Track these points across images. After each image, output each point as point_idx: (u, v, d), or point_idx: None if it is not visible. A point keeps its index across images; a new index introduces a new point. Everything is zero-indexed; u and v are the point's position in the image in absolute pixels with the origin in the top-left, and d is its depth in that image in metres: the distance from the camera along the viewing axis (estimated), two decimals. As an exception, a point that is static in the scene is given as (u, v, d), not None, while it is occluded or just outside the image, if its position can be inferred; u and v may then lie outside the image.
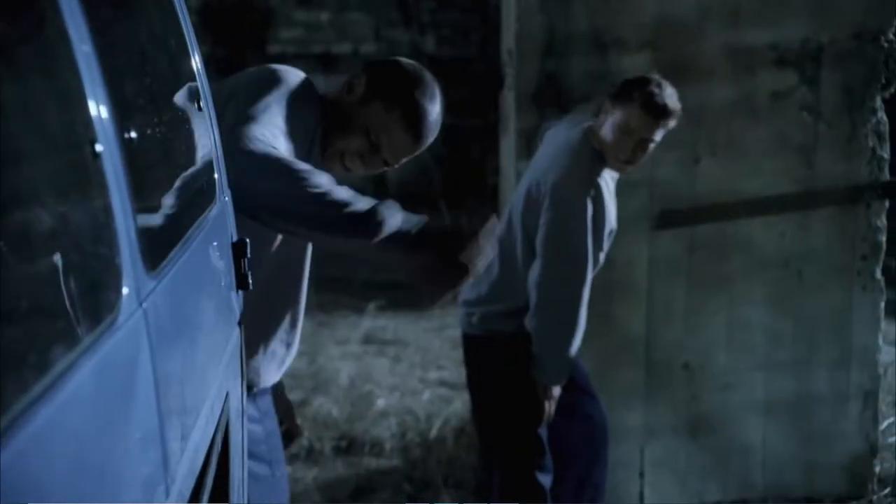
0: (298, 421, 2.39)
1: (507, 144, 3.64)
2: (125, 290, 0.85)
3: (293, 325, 1.92)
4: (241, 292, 1.52)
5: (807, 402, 3.51)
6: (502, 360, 2.84)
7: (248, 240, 1.48)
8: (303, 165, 1.57)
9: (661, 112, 2.69)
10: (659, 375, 3.48)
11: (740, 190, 3.40)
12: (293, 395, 4.60)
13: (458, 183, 14.54)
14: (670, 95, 2.71)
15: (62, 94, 0.81)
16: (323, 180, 1.58)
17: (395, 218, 1.63)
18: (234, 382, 1.42)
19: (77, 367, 0.71)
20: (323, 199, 1.55)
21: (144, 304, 0.90)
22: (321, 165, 1.82)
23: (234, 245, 1.48)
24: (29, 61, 0.77)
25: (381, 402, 4.50)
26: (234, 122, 1.58)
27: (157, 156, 1.09)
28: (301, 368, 5.10)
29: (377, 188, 15.30)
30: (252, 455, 1.85)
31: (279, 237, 1.75)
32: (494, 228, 1.70)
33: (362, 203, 1.61)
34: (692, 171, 3.40)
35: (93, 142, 0.82)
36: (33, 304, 0.69)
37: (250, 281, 1.48)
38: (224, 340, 1.35)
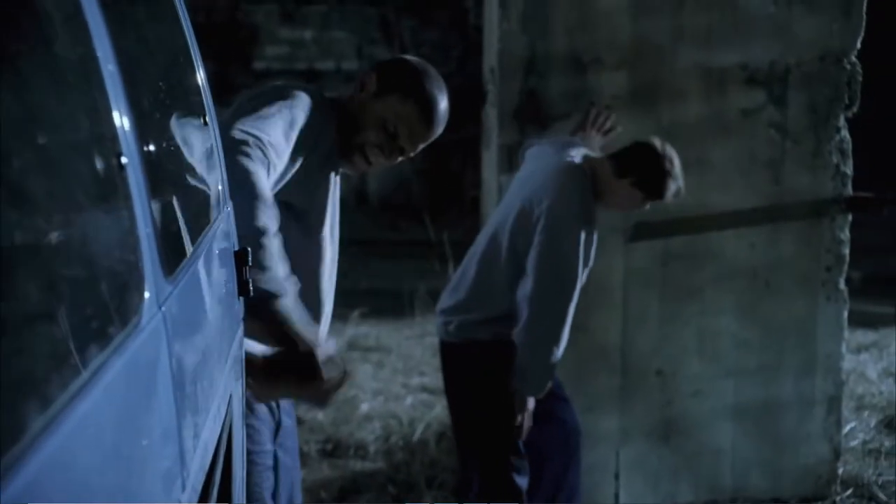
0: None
1: (490, 159, 3.67)
2: (147, 295, 0.88)
3: (315, 320, 1.90)
4: (242, 298, 1.54)
5: (774, 408, 3.56)
6: (479, 367, 2.87)
7: (249, 248, 1.51)
8: (262, 192, 1.55)
9: (675, 197, 2.83)
10: (633, 381, 3.52)
11: (711, 203, 3.44)
12: (280, 400, 4.63)
13: (437, 195, 14.59)
14: (676, 180, 2.82)
15: (91, 109, 0.84)
16: (270, 223, 1.55)
17: (285, 302, 1.56)
18: (235, 384, 1.45)
19: (109, 365, 0.73)
20: (257, 238, 1.51)
21: (163, 308, 0.93)
22: (339, 163, 1.93)
23: (236, 253, 1.50)
24: (61, 80, 0.80)
25: (365, 407, 4.52)
26: (232, 119, 1.63)
27: (171, 167, 1.12)
28: (287, 374, 5.10)
29: (358, 200, 15.36)
30: (284, 447, 1.91)
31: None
32: (333, 358, 1.63)
33: (274, 272, 1.54)
34: (666, 185, 3.43)
35: (119, 154, 0.85)
36: (68, 307, 0.71)
37: (251, 287, 1.51)
38: (228, 344, 1.38)
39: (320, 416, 4.39)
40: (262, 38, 14.54)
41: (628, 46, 3.39)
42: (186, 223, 1.14)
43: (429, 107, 2.00)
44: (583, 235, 2.73)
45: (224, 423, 1.28)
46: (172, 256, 1.01)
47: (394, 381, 5.04)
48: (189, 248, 1.12)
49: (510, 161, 3.44)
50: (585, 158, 2.87)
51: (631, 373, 3.52)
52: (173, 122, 1.19)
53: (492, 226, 2.92)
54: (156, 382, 0.87)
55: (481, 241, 2.93)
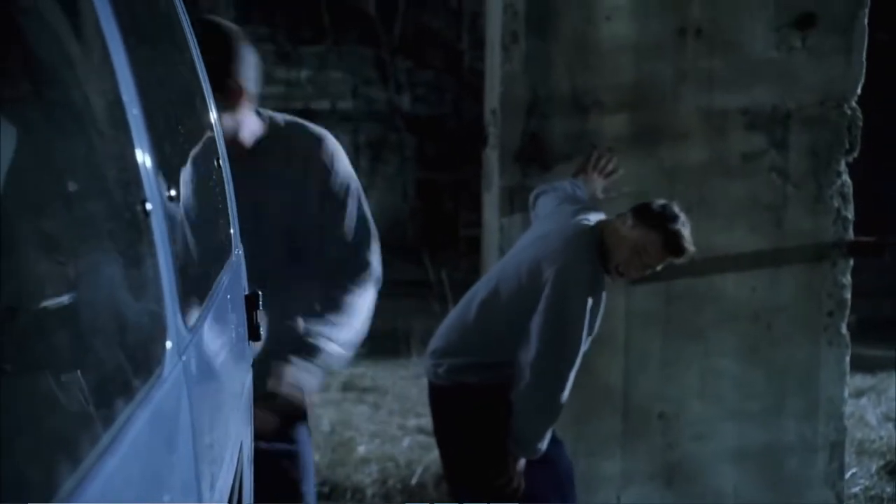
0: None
1: (491, 201, 3.66)
2: (168, 345, 0.86)
3: None
4: (252, 344, 1.52)
5: (776, 452, 3.52)
6: (469, 411, 2.84)
7: (260, 293, 1.49)
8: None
9: (681, 253, 2.77)
10: (636, 424, 3.48)
11: (713, 246, 3.43)
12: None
13: (431, 236, 14.59)
14: (690, 236, 2.77)
15: (116, 154, 0.82)
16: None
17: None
18: (245, 430, 1.42)
19: (134, 418, 0.71)
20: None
21: (184, 357, 0.90)
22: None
23: (246, 297, 1.48)
24: (87, 124, 0.78)
25: (361, 449, 4.47)
26: None
27: (188, 213, 1.10)
28: (283, 415, 5.05)
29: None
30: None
31: None
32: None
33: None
34: (668, 228, 3.42)
35: (144, 201, 0.83)
36: (93, 360, 0.69)
37: (263, 332, 1.48)
38: (240, 390, 1.35)
39: (317, 457, 4.34)
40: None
41: (630, 89, 3.39)
42: (203, 270, 1.12)
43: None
44: (589, 304, 2.71)
45: (236, 472, 1.26)
46: (191, 304, 0.99)
47: (390, 423, 4.99)
48: (205, 295, 1.10)
49: (511, 203, 3.43)
50: (600, 223, 2.86)
51: (633, 415, 3.48)
52: (190, 167, 1.17)
53: (496, 274, 2.90)
54: (177, 434, 0.85)
55: (482, 287, 2.91)
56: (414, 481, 4.08)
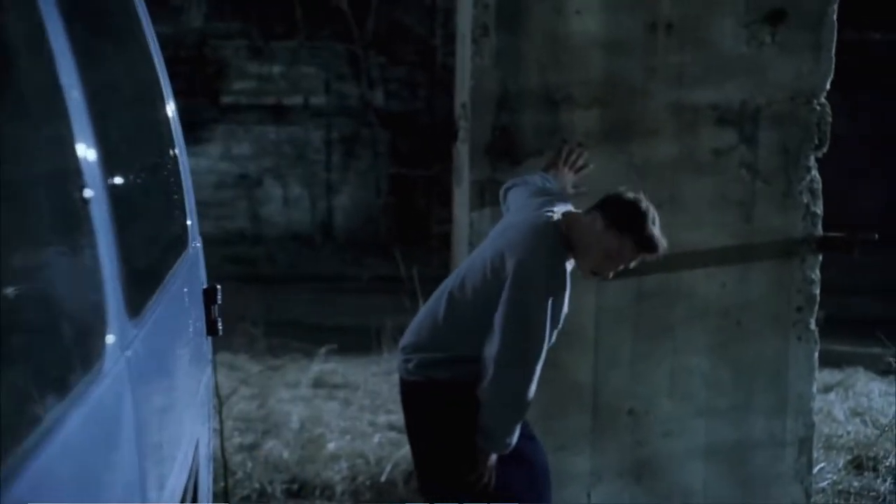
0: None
1: (461, 196, 3.63)
2: (110, 339, 0.81)
3: None
4: (210, 338, 1.47)
5: (745, 448, 3.51)
6: (440, 406, 2.80)
7: (218, 286, 1.44)
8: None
9: (654, 251, 2.71)
10: (605, 421, 3.46)
11: (683, 242, 3.41)
12: (244, 439, 4.52)
13: (403, 231, 14.54)
14: (660, 231, 2.73)
15: (53, 138, 0.78)
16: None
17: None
18: (203, 428, 1.38)
19: (67, 416, 0.66)
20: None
21: (128, 352, 0.86)
22: None
23: (205, 291, 1.43)
24: (21, 108, 0.74)
25: (331, 446, 4.42)
26: None
27: (137, 203, 1.05)
28: (251, 412, 5.01)
29: (324, 236, 15.25)
30: None
31: None
32: None
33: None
34: (638, 223, 3.40)
35: (82, 189, 0.78)
36: (25, 353, 0.64)
37: (220, 327, 1.44)
38: (196, 386, 1.31)
39: (285, 454, 4.29)
40: (231, 73, 14.48)
41: (601, 84, 3.37)
42: (153, 260, 1.07)
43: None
44: (551, 298, 2.67)
45: (191, 470, 1.21)
46: (138, 297, 0.95)
47: (361, 419, 4.95)
48: (156, 287, 1.05)
49: (482, 198, 3.40)
50: (566, 216, 2.81)
51: (602, 412, 3.46)
52: (141, 156, 1.13)
53: (463, 269, 2.86)
54: (118, 432, 0.80)
55: (451, 282, 2.87)
56: (384, 478, 4.04)
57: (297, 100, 14.59)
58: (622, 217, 2.70)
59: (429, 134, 13.58)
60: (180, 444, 1.11)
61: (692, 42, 3.39)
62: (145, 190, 1.12)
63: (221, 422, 3.77)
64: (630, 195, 2.78)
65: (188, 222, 1.36)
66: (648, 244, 2.71)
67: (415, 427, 2.88)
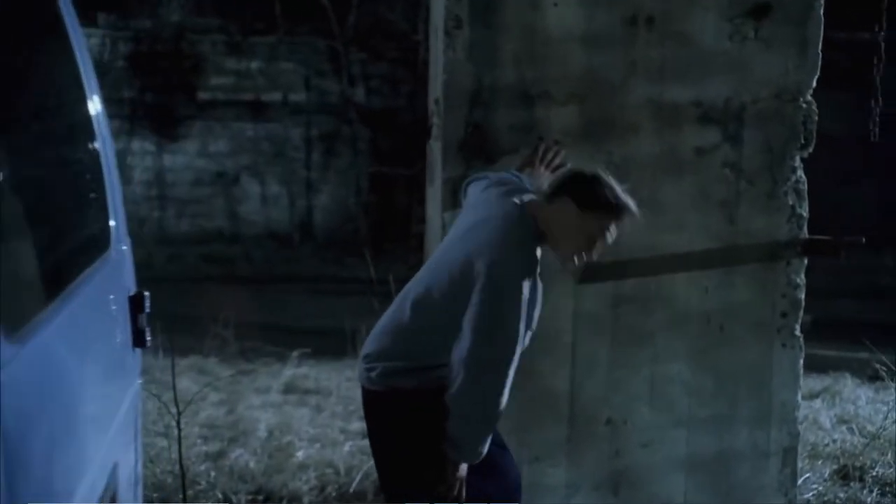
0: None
1: (434, 195, 3.52)
2: (-28, 361, 0.70)
3: None
4: (138, 350, 1.36)
5: (727, 459, 3.43)
6: (404, 416, 2.69)
7: (146, 293, 1.33)
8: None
9: (634, 215, 2.62)
10: (582, 430, 3.37)
11: (663, 245, 3.33)
12: (209, 447, 4.41)
13: (384, 231, 14.44)
14: (626, 193, 2.64)
15: None
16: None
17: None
18: (125, 449, 1.26)
19: None
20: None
21: (2, 376, 0.75)
22: None
23: (131, 298, 1.32)
24: None
25: (300, 454, 4.32)
26: None
27: (29, 204, 0.94)
28: (219, 418, 4.90)
29: (303, 236, 15.13)
30: None
31: None
32: None
33: None
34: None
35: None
36: None
37: (148, 338, 1.33)
38: (114, 405, 1.19)
39: (252, 464, 4.18)
40: (208, 69, 14.34)
41: (579, 80, 3.27)
42: (52, 267, 0.96)
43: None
44: (524, 296, 2.55)
45: (103, 499, 1.10)
46: (22, 309, 0.83)
47: (332, 427, 4.84)
48: (52, 297, 0.94)
49: (454, 197, 3.30)
50: (532, 206, 2.70)
51: (579, 421, 3.37)
52: (43, 153, 1.01)
53: (427, 271, 2.74)
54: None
55: (414, 286, 2.75)
56: (353, 489, 3.93)
57: (276, 96, 14.48)
58: (595, 196, 2.60)
59: (410, 131, 13.48)
60: (84, 473, 1.00)
61: (673, 37, 3.29)
62: (44, 189, 1.00)
63: (180, 431, 3.65)
64: (587, 171, 2.69)
65: (111, 223, 1.25)
66: (627, 212, 2.62)
67: (379, 438, 2.77)
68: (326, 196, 15.16)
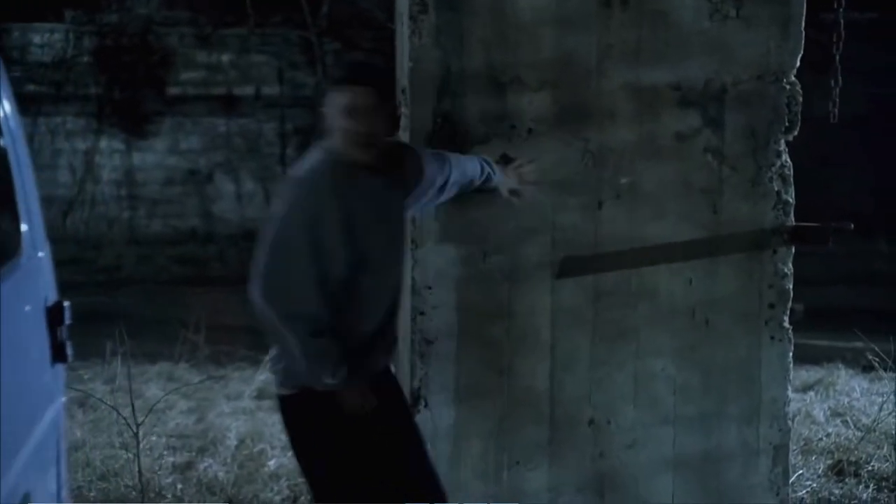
0: None
1: (403, 188, 3.45)
2: None
3: None
4: (60, 366, 1.28)
5: (716, 458, 3.37)
6: (314, 416, 2.65)
7: (66, 303, 1.25)
8: None
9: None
10: (564, 432, 3.31)
11: (644, 235, 3.27)
12: (177, 458, 4.33)
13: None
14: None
15: None
16: None
17: None
18: (41, 477, 1.17)
19: None
20: None
21: None
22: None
23: (49, 309, 1.24)
24: None
25: (272, 464, 4.24)
26: None
27: None
28: (187, 427, 4.82)
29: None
30: None
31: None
32: None
33: None
34: (595, 216, 3.26)
35: None
36: None
37: (69, 352, 1.24)
38: (26, 429, 1.11)
39: (221, 474, 4.10)
40: (177, 63, 14.20)
41: (552, 64, 3.21)
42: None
43: None
44: (294, 198, 2.62)
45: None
46: None
47: (306, 433, 4.75)
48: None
49: (425, 190, 3.23)
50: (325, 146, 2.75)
51: (561, 422, 3.32)
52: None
53: None
54: None
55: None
56: (327, 498, 3.85)
57: (249, 90, 14.34)
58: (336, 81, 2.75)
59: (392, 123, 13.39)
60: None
61: (650, 16, 3.23)
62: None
63: (139, 441, 3.58)
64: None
65: (22, 227, 1.17)
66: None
67: (299, 445, 2.73)
68: (303, 192, 14.98)
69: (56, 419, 1.26)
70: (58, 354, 1.25)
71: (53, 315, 1.24)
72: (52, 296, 1.27)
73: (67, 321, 1.26)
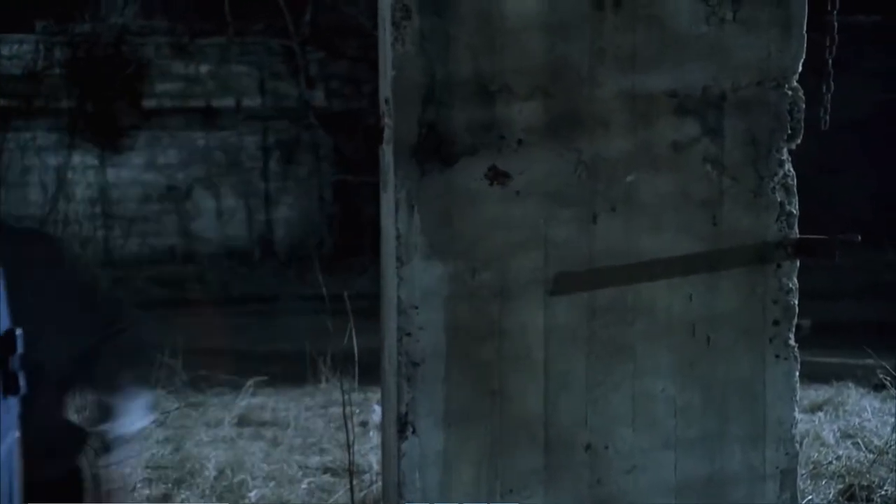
0: None
1: (388, 204, 3.44)
2: None
3: None
4: (11, 399, 1.25)
5: (720, 483, 3.35)
6: None
7: (18, 330, 1.22)
8: None
9: None
10: (559, 457, 3.29)
11: (641, 250, 3.26)
12: (153, 490, 4.30)
13: (351, 243, 14.35)
14: None
15: None
16: None
17: None
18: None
19: None
20: None
21: None
22: None
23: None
24: None
25: (253, 494, 4.23)
26: None
27: None
28: (164, 457, 4.80)
29: (264, 251, 15.04)
30: None
31: None
32: None
33: None
34: (589, 229, 3.25)
35: None
36: None
37: (22, 383, 1.22)
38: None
39: (199, 507, 4.07)
40: (153, 74, 14.21)
41: (542, 72, 3.21)
42: None
43: None
44: None
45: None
46: None
47: (289, 462, 4.78)
48: None
49: (410, 206, 3.23)
50: None
51: (556, 447, 3.30)
52: None
53: None
54: None
55: None
56: (310, 531, 3.83)
57: (229, 102, 14.38)
58: None
59: (375, 134, 13.43)
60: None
61: (644, 20, 3.23)
62: None
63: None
64: None
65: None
66: None
67: None
68: (287, 208, 15.08)
69: (8, 457, 1.23)
70: (9, 386, 1.22)
71: (4, 343, 1.21)
72: (3, 323, 1.25)
73: (19, 349, 1.23)
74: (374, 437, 5.15)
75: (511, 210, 3.24)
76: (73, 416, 2.33)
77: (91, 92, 13.67)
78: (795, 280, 3.37)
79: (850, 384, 5.89)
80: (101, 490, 2.13)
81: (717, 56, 3.28)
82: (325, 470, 4.61)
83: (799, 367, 3.38)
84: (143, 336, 2.61)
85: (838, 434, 4.86)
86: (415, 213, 3.21)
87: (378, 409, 5.20)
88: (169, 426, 5.30)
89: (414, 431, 3.21)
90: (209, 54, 14.37)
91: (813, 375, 5.28)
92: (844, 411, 5.30)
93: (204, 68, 14.43)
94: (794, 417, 3.39)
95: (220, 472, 4.51)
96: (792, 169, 3.37)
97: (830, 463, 4.40)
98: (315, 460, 4.75)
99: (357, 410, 5.30)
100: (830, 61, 3.35)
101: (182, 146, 14.27)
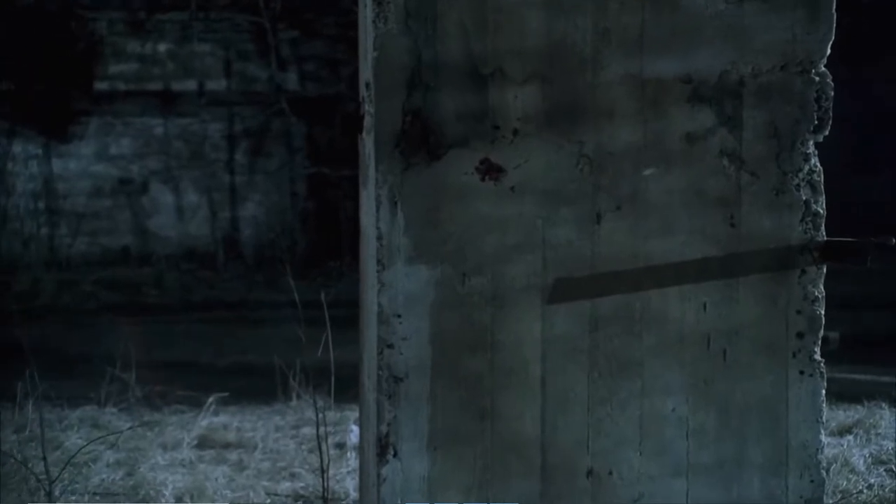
0: None
1: (368, 200, 3.47)
2: None
3: None
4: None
5: (737, 514, 3.40)
6: None
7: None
8: None
9: None
10: (558, 485, 3.34)
11: (650, 254, 3.30)
12: (102, 520, 4.33)
13: (326, 244, 14.39)
14: None
15: None
16: None
17: None
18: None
19: None
20: None
21: None
22: None
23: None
24: None
25: (214, 526, 4.25)
26: None
27: None
28: (115, 482, 4.84)
29: (229, 253, 15.05)
30: None
31: None
32: None
33: None
34: (592, 230, 3.29)
35: None
36: None
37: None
38: None
39: (154, 541, 4.10)
40: (105, 53, 14.25)
41: (540, 54, 3.25)
42: None
43: None
44: None
45: None
46: None
47: (255, 488, 4.81)
48: None
49: (393, 202, 3.26)
50: None
51: (554, 473, 3.34)
52: None
53: None
54: None
55: None
56: (277, 565, 3.86)
57: (191, 85, 14.42)
58: None
59: (354, 122, 13.49)
60: None
61: (654, -3, 3.27)
62: None
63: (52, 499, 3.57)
64: None
65: None
66: None
67: None
68: (255, 205, 15.10)
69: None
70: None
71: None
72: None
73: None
74: (352, 461, 5.19)
75: (505, 208, 3.27)
76: None
77: (35, 73, 13.70)
78: (822, 288, 3.40)
79: (883, 404, 5.95)
80: None
81: (736, 38, 3.32)
82: (297, 497, 4.63)
83: (825, 384, 3.43)
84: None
85: (869, 460, 4.91)
86: (398, 210, 3.25)
87: (356, 429, 5.24)
88: (121, 448, 5.34)
89: (395, 455, 3.25)
90: (168, 31, 14.38)
91: (841, 395, 5.33)
92: (876, 434, 5.36)
93: (162, 47, 14.44)
94: (821, 441, 3.43)
95: (179, 499, 4.54)
96: (818, 164, 3.41)
97: (861, 492, 4.45)
98: (285, 486, 4.78)
99: (332, 431, 5.34)
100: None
101: (137, 134, 14.27)
